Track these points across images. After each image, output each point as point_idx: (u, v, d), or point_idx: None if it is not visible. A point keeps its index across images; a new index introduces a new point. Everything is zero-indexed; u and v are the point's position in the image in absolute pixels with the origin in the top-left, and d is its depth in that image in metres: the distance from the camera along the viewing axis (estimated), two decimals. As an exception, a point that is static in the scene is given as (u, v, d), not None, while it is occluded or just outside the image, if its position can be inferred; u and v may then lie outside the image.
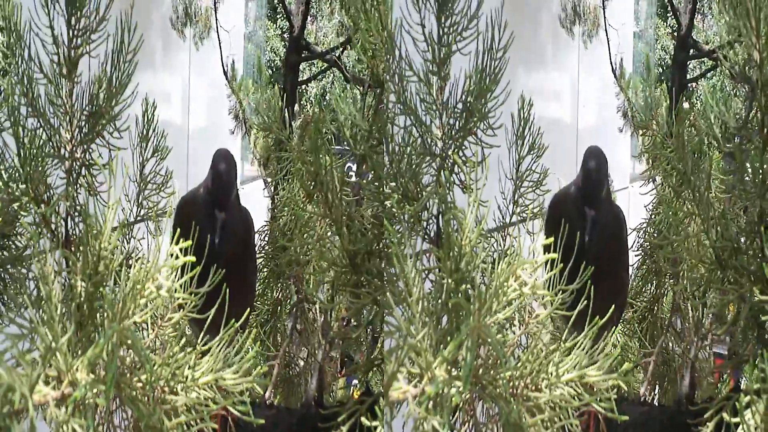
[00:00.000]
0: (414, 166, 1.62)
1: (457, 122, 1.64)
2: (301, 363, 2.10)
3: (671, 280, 2.18)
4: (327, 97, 2.70)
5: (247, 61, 2.70)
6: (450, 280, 1.28)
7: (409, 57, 1.63)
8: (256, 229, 2.17)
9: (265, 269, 2.16)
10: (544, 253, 1.45)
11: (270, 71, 2.72)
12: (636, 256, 2.30)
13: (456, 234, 1.36)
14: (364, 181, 1.85)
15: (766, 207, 1.48)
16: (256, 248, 2.14)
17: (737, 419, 1.23)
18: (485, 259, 1.42)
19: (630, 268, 2.05)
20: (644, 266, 2.29)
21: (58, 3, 1.57)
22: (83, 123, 1.58)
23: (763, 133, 1.55)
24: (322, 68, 2.65)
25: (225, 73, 2.65)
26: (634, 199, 2.49)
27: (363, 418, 1.26)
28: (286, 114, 2.27)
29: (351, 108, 1.97)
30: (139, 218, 1.78)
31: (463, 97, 1.63)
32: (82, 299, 1.19)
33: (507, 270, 1.35)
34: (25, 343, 1.19)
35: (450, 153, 1.62)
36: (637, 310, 2.25)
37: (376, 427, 1.20)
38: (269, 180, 2.42)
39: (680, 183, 1.64)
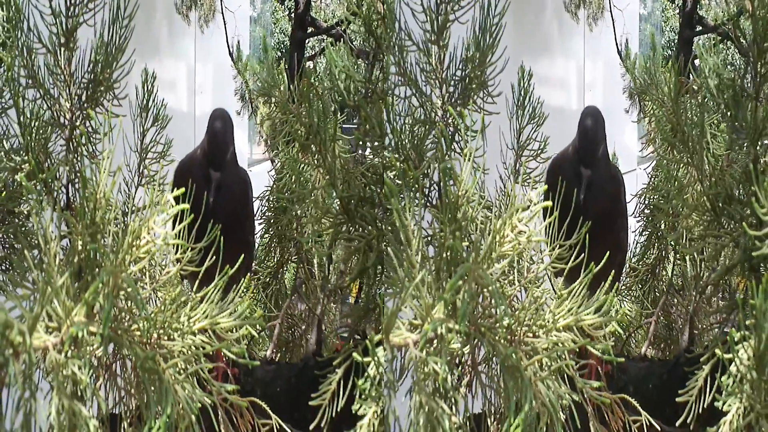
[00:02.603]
0: (415, 136, 1.64)
1: (456, 90, 1.67)
2: (303, 327, 2.12)
3: (671, 243, 2.19)
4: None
5: (253, 42, 2.71)
6: (447, 230, 1.31)
7: (409, 28, 1.65)
8: (258, 195, 2.19)
9: (267, 235, 2.18)
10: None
11: (279, 52, 2.73)
12: (638, 222, 2.31)
13: (452, 187, 1.38)
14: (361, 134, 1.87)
15: (759, 153, 1.50)
16: (258, 214, 2.16)
17: (730, 355, 1.25)
18: (482, 218, 1.44)
19: (630, 232, 2.07)
20: (646, 231, 2.30)
21: (56, -26, 1.60)
22: (82, 91, 1.61)
23: (756, 82, 1.57)
24: (329, 43, 2.66)
25: (230, 54, 2.66)
26: (642, 181, 2.50)
27: (355, 354, 1.28)
28: (290, 82, 2.29)
29: (345, 60, 1.99)
30: (140, 184, 1.80)
31: (462, 64, 1.66)
32: (81, 254, 1.21)
33: (504, 218, 1.37)
34: (30, 304, 1.22)
35: (449, 109, 1.65)
36: (638, 274, 2.26)
37: (368, 363, 1.22)
38: (275, 160, 2.43)
39: (674, 135, 1.65)
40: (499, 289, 1.32)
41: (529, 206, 1.40)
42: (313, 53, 2.67)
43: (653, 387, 2.02)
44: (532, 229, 1.41)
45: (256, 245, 2.16)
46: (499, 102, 1.73)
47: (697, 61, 2.73)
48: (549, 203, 1.42)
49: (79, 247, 1.23)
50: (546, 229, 1.51)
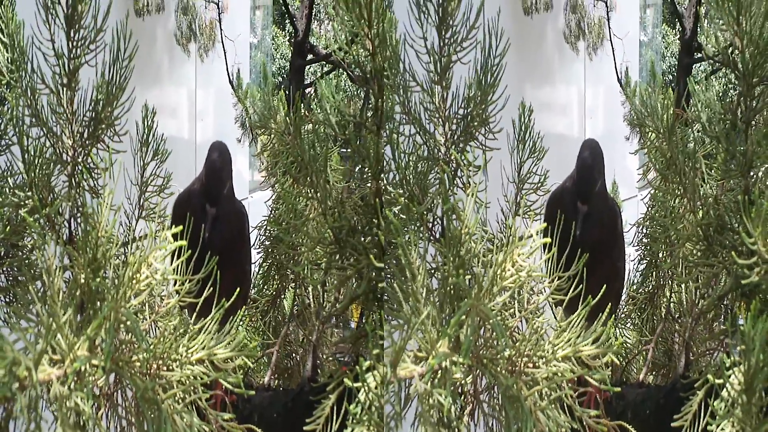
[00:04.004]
0: (419, 173, 1.68)
1: (459, 128, 1.71)
2: (301, 351, 2.15)
3: (669, 271, 2.21)
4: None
5: (253, 69, 2.72)
6: (451, 266, 1.34)
7: (413, 69, 1.70)
8: (257, 224, 2.21)
9: (265, 263, 2.20)
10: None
11: (281, 78, 2.75)
12: (636, 251, 2.33)
13: (455, 222, 1.41)
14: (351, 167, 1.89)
15: (750, 183, 1.53)
16: (255, 244, 2.19)
17: (721, 380, 1.26)
18: (485, 252, 1.47)
19: (627, 261, 2.09)
20: (644, 260, 2.32)
21: (58, 18, 1.63)
22: (84, 129, 1.64)
23: (746, 116, 1.59)
24: (327, 70, 2.67)
25: (231, 82, 2.68)
26: (643, 208, 2.52)
27: (346, 379, 1.30)
28: (289, 110, 2.31)
29: (337, 96, 2.02)
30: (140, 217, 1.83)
31: (464, 103, 1.69)
32: (83, 288, 1.24)
33: (504, 254, 1.40)
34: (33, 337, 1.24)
35: (451, 150, 1.68)
36: (637, 302, 2.28)
37: (359, 389, 1.24)
38: (275, 186, 2.44)
39: (667, 167, 1.68)
40: (501, 321, 1.35)
41: (530, 237, 1.43)
42: (314, 79, 2.69)
43: (650, 412, 2.04)
44: (532, 264, 1.44)
45: (255, 274, 2.19)
46: (500, 137, 1.77)
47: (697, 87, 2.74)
48: (548, 240, 1.45)
49: (81, 281, 1.25)
50: (546, 261, 1.54)
